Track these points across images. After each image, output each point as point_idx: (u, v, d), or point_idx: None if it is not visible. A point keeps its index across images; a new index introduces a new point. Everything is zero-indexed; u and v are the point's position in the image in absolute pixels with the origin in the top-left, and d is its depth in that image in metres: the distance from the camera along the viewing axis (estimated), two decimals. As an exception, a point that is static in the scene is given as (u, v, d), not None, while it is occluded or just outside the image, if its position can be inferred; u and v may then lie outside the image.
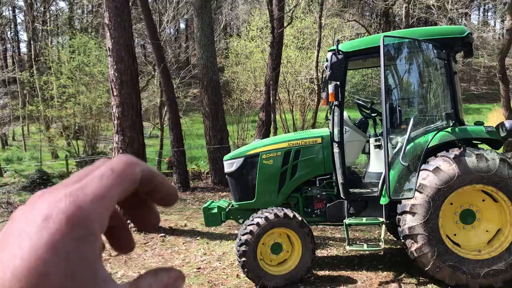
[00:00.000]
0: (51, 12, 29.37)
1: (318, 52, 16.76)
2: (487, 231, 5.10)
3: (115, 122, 7.59)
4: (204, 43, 12.58)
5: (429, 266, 4.92)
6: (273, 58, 13.17)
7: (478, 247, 5.05)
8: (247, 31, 20.93)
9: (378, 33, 27.93)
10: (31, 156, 21.87)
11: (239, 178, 5.84)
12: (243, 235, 5.16)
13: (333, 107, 5.52)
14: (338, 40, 5.31)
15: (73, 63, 16.40)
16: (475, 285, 4.86)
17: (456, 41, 5.30)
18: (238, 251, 5.16)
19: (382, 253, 6.41)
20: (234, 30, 38.41)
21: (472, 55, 5.63)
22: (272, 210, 5.27)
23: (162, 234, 7.69)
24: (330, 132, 5.72)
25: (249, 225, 5.20)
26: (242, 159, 5.82)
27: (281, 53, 14.24)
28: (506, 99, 14.70)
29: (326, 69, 6.29)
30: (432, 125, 5.29)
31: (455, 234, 5.13)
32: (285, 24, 13.96)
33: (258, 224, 5.15)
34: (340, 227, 7.57)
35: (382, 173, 5.79)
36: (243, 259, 5.10)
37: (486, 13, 53.14)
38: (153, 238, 7.55)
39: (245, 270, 5.15)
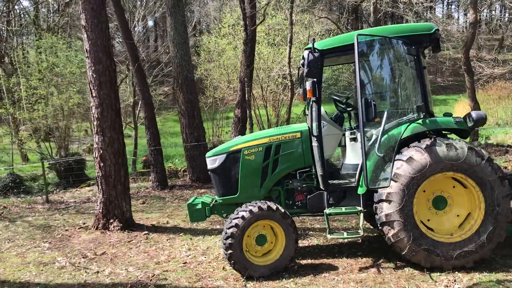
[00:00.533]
0: (15, 11, 28.68)
1: (290, 48, 16.99)
2: (458, 215, 5.43)
3: (95, 122, 7.65)
4: (178, 42, 12.67)
5: (406, 251, 5.23)
6: (246, 56, 13.35)
7: (450, 231, 5.39)
8: (219, 29, 21.02)
9: (348, 29, 28.47)
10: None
11: (222, 173, 6.02)
12: (228, 228, 5.35)
13: (310, 102, 5.75)
14: (313, 39, 5.55)
15: (43, 64, 16.15)
16: (449, 267, 5.19)
17: (424, 37, 5.61)
18: (224, 244, 5.35)
19: (360, 241, 6.71)
20: (204, 26, 38.39)
21: (440, 50, 5.95)
22: (256, 203, 5.48)
23: (146, 232, 7.81)
24: (308, 127, 5.96)
25: (234, 218, 5.39)
26: (225, 155, 6.00)
27: (254, 50, 14.41)
28: (471, 90, 15.30)
29: (303, 66, 6.55)
30: (404, 118, 5.59)
31: (428, 220, 5.46)
32: (258, 21, 14.12)
33: (243, 217, 5.35)
34: (319, 218, 7.87)
35: (358, 164, 6.08)
36: (230, 251, 5.30)
37: (450, 6, 54.66)
38: (136, 236, 7.66)
39: (232, 262, 5.34)
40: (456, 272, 5.13)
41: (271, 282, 5.25)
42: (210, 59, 21.22)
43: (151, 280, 5.56)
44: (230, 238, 5.31)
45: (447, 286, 4.84)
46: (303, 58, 6.28)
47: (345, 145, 6.59)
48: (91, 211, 10.30)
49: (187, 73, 12.84)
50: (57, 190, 14.85)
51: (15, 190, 14.87)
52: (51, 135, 18.48)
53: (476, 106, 15.25)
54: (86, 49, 7.49)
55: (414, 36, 5.54)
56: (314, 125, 5.65)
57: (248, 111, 13.65)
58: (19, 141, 16.53)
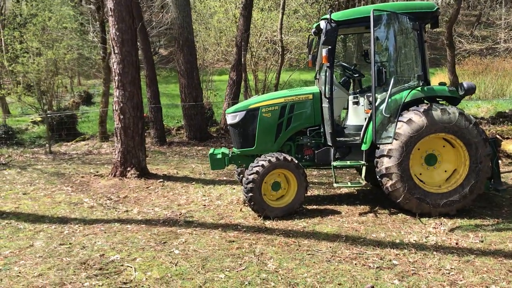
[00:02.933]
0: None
1: (282, 15, 17.51)
2: (445, 170, 6.36)
3: (116, 78, 8.21)
4: (180, 4, 13.08)
5: (401, 199, 6.13)
6: (244, 20, 13.87)
7: (438, 183, 6.32)
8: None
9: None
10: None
11: (241, 128, 6.76)
12: (250, 174, 6.15)
13: (324, 68, 6.47)
14: (331, 10, 6.23)
15: (39, 18, 16.24)
16: (436, 213, 6.14)
17: (427, 14, 6.38)
18: (245, 187, 6.15)
19: (356, 193, 7.62)
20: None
21: (438, 26, 6.74)
22: (274, 154, 6.28)
23: (161, 180, 8.54)
24: (319, 89, 6.72)
25: (255, 166, 6.18)
26: (244, 112, 6.72)
27: (251, 15, 14.91)
28: (451, 64, 16.23)
29: (314, 35, 7.26)
30: (406, 84, 6.40)
31: (420, 174, 6.36)
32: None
33: (262, 165, 6.15)
34: (316, 173, 8.75)
35: (359, 125, 6.94)
36: (251, 194, 6.11)
37: (431, -19, 55.28)
38: (152, 183, 8.38)
39: (252, 203, 6.16)
40: (442, 218, 6.07)
41: (285, 221, 6.10)
42: (201, 21, 21.50)
43: (179, 217, 6.34)
44: (251, 183, 6.10)
45: (435, 228, 5.77)
46: (317, 27, 7.01)
47: (347, 108, 7.41)
48: (97, 162, 10.93)
49: (188, 34, 13.31)
50: (49, 143, 15.27)
51: (8, 142, 15.24)
52: (42, 90, 18.65)
53: (455, 79, 16.23)
54: (110, 8, 7.96)
55: (419, 13, 6.30)
56: (327, 88, 6.39)
57: (243, 74, 14.29)
58: (17, 95, 16.66)
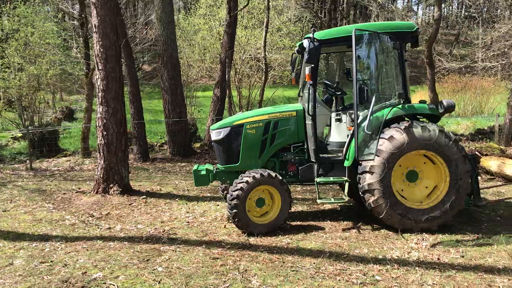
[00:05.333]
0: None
1: (266, 32, 17.71)
2: (426, 187, 6.46)
3: (100, 94, 8.19)
4: (164, 21, 13.15)
5: (383, 215, 6.21)
6: (229, 38, 14.00)
7: (420, 200, 6.41)
8: (195, 9, 21.40)
9: (320, 17, 29.33)
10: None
11: (226, 144, 6.79)
12: (234, 191, 6.16)
13: (307, 85, 6.56)
14: (313, 29, 6.36)
15: (22, 34, 16.15)
16: (417, 229, 6.22)
17: (407, 34, 6.55)
18: (230, 204, 6.15)
19: (339, 208, 7.68)
20: (181, 4, 38.34)
21: (418, 46, 6.91)
22: (258, 171, 6.31)
23: (144, 196, 8.48)
24: (302, 107, 6.81)
25: (239, 183, 6.21)
26: (229, 128, 6.76)
27: (235, 33, 15.07)
28: (431, 82, 16.60)
29: (298, 53, 7.39)
30: (387, 102, 6.53)
31: (402, 190, 6.46)
32: (241, 6, 14.74)
33: (247, 181, 6.17)
34: (299, 189, 8.81)
35: (341, 142, 7.04)
36: (235, 210, 6.12)
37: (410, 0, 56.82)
38: (135, 200, 8.32)
39: (236, 219, 6.16)
40: (424, 233, 6.15)
41: (269, 238, 6.11)
42: (185, 37, 21.61)
43: (163, 234, 6.31)
44: (235, 199, 6.12)
45: (417, 243, 5.84)
46: (299, 46, 7.13)
47: (330, 125, 7.51)
48: (79, 179, 10.81)
49: (172, 51, 13.36)
50: (30, 159, 15.04)
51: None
52: (23, 105, 18.43)
53: (435, 97, 16.59)
54: (95, 25, 7.98)
55: (399, 32, 6.46)
56: (310, 105, 6.48)
57: (227, 91, 14.37)
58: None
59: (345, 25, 21.52)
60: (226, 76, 14.20)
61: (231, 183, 6.70)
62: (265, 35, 17.70)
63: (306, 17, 23.00)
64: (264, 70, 17.88)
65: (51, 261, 5.31)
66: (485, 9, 34.90)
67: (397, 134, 6.16)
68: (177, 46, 13.96)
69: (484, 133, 15.65)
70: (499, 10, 33.88)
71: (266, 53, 17.84)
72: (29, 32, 16.64)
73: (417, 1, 54.84)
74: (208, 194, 8.85)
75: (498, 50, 19.73)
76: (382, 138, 6.19)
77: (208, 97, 21.36)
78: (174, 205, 8.06)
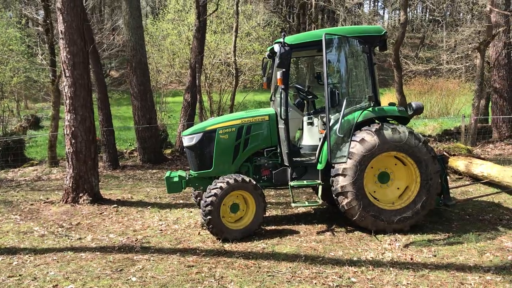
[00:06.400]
0: None
1: (236, 37, 17.73)
2: (398, 188, 6.56)
3: (67, 101, 7.99)
4: (132, 26, 12.99)
5: (356, 216, 6.26)
6: (198, 43, 13.94)
7: (392, 201, 6.51)
8: (164, 14, 21.24)
9: (289, 21, 29.55)
10: None
11: (198, 150, 6.72)
12: (208, 197, 6.10)
13: (279, 90, 6.57)
14: (284, 34, 6.38)
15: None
16: (390, 229, 6.29)
17: (376, 38, 6.65)
18: (204, 211, 6.09)
19: (313, 211, 7.71)
20: (148, 9, 37.96)
21: (386, 49, 7.03)
22: (232, 176, 6.27)
23: (115, 205, 8.31)
24: (275, 111, 6.82)
25: (213, 189, 6.14)
26: (201, 134, 6.69)
27: (205, 38, 15.01)
28: (399, 85, 16.88)
29: (268, 58, 7.40)
30: (357, 105, 6.61)
31: (374, 191, 6.54)
32: (210, 11, 14.70)
33: (221, 187, 6.12)
34: (273, 193, 8.81)
35: (314, 145, 7.08)
36: (209, 217, 6.05)
37: (376, 3, 57.97)
38: (106, 209, 8.14)
39: (210, 226, 6.10)
40: (396, 234, 6.23)
41: (244, 243, 6.07)
42: (153, 43, 21.40)
43: (135, 243, 6.18)
44: (209, 206, 6.05)
45: (390, 244, 5.91)
46: (270, 51, 7.15)
47: (302, 128, 7.55)
48: (47, 189, 10.52)
49: (141, 56, 13.20)
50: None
51: None
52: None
53: (403, 99, 16.89)
54: (61, 31, 7.79)
55: (368, 36, 6.55)
56: (282, 109, 6.49)
57: (198, 96, 14.29)
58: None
59: (314, 29, 21.76)
60: (197, 81, 14.12)
61: (205, 189, 6.65)
62: (235, 40, 17.74)
63: (275, 21, 23.14)
64: (234, 74, 17.90)
65: (20, 275, 5.12)
66: (448, 13, 35.91)
67: (368, 136, 6.23)
68: (145, 52, 13.80)
69: (451, 133, 16.07)
70: (461, 14, 34.87)
71: (236, 58, 17.86)
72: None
73: (383, 6, 56.00)
74: (181, 201, 8.75)
75: (462, 52, 20.30)
76: (353, 140, 6.25)
77: (178, 102, 21.20)
78: (147, 213, 7.93)
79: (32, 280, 4.98)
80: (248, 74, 21.51)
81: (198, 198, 7.35)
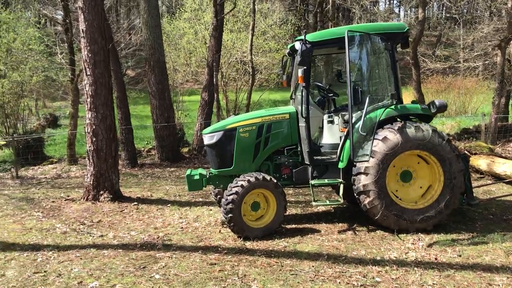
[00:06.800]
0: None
1: (252, 36, 17.68)
2: (420, 187, 6.48)
3: (88, 100, 8.06)
4: (151, 25, 13.05)
5: (378, 216, 6.20)
6: (216, 41, 13.95)
7: (414, 200, 6.42)
8: (180, 13, 21.30)
9: (307, 19, 29.34)
10: None
11: (219, 149, 6.72)
12: (229, 195, 6.09)
13: (300, 88, 6.54)
14: (305, 31, 6.34)
15: (4, 40, 15.86)
16: (413, 229, 6.22)
17: (398, 35, 6.58)
18: (225, 209, 6.08)
19: (333, 211, 7.66)
20: (164, 9, 38.13)
21: (408, 47, 6.95)
22: (252, 174, 6.25)
23: (135, 203, 8.36)
24: (295, 109, 6.79)
25: (234, 187, 6.14)
26: (222, 132, 6.69)
27: (222, 36, 15.02)
28: (417, 83, 16.71)
29: (288, 55, 7.37)
30: (380, 103, 6.54)
31: (396, 190, 6.46)
32: (228, 8, 14.69)
33: (242, 186, 6.11)
34: (292, 192, 8.78)
35: (334, 143, 7.02)
36: (230, 215, 6.05)
37: (392, 2, 57.45)
38: (126, 206, 8.19)
39: (231, 224, 6.09)
40: (419, 233, 6.16)
41: (266, 241, 6.05)
42: (170, 42, 21.48)
43: (157, 241, 6.21)
44: (230, 204, 6.05)
45: (413, 244, 5.85)
46: (291, 48, 7.11)
47: (322, 127, 7.50)
48: (67, 186, 10.63)
49: (159, 55, 13.26)
50: (15, 167, 14.76)
51: (-30, 167, 14.66)
52: (6, 113, 18.07)
53: (421, 97, 16.71)
54: (82, 30, 7.86)
55: (391, 33, 6.48)
56: (303, 107, 6.45)
57: (215, 95, 14.30)
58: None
59: (331, 27, 21.62)
60: (214, 80, 14.13)
61: (225, 187, 6.64)
62: (251, 38, 17.68)
63: (291, 20, 23.04)
64: (250, 73, 17.86)
65: (45, 271, 5.17)
66: (465, 11, 35.42)
67: (391, 134, 6.16)
68: (164, 50, 13.85)
69: (470, 132, 15.83)
70: (479, 11, 34.38)
71: (253, 56, 17.82)
72: (11, 38, 16.36)
73: (398, 3, 55.47)
74: (200, 199, 8.77)
75: (481, 50, 19.99)
76: (376, 139, 6.19)
77: (193, 101, 21.31)
78: (167, 210, 7.95)
79: (57, 276, 5.02)
80: (265, 73, 21.46)
81: (218, 196, 7.35)
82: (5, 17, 17.02)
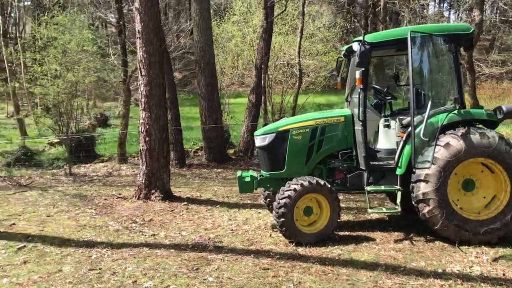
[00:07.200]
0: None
1: (301, 38, 17.54)
2: (484, 197, 6.11)
3: (143, 100, 8.16)
4: (202, 27, 13.13)
5: (438, 226, 5.89)
6: (265, 43, 13.89)
7: (477, 210, 6.07)
8: (229, 15, 21.42)
9: (356, 21, 28.91)
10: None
11: (271, 151, 6.61)
12: (281, 199, 5.96)
13: (358, 90, 6.32)
14: (364, 32, 6.14)
15: (60, 41, 16.42)
16: (476, 241, 5.88)
17: (463, 36, 6.26)
18: (277, 212, 5.96)
19: (387, 219, 7.38)
20: (211, 12, 38.59)
21: (473, 49, 6.62)
22: (306, 178, 6.10)
23: (185, 203, 8.38)
24: (351, 112, 6.58)
25: (286, 190, 6.00)
26: (274, 134, 6.57)
27: (271, 39, 14.95)
28: (472, 88, 16.05)
29: (344, 57, 7.17)
30: (442, 107, 6.24)
31: (458, 199, 6.12)
32: (277, 11, 14.63)
33: (294, 189, 5.97)
34: (342, 197, 8.55)
35: (390, 149, 6.75)
36: (282, 219, 5.91)
37: (441, 4, 55.75)
38: (177, 206, 8.23)
39: (283, 229, 5.96)
40: (483, 246, 5.81)
41: (319, 248, 5.88)
42: (218, 44, 21.61)
43: (208, 242, 6.16)
44: (283, 208, 5.91)
45: (477, 257, 5.52)
46: (348, 49, 6.92)
47: (378, 131, 7.24)
48: (119, 184, 10.83)
49: (209, 57, 13.33)
50: (69, 165, 15.21)
51: (26, 163, 15.24)
52: (54, 111, 18.66)
53: (476, 103, 16.02)
54: (138, 30, 7.96)
55: (455, 35, 6.17)
56: (360, 110, 6.24)
57: (263, 97, 14.24)
58: (36, 117, 16.72)
59: (383, 30, 21.14)
60: (262, 82, 14.07)
61: (275, 190, 6.52)
62: (300, 41, 17.56)
63: (340, 22, 22.74)
64: (298, 76, 17.71)
65: (100, 269, 5.21)
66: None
67: (453, 141, 5.86)
68: (214, 53, 13.91)
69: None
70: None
71: (300, 59, 17.67)
72: (67, 39, 16.91)
73: (448, 6, 53.76)
74: (248, 201, 8.69)
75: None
76: (438, 145, 5.89)
77: (239, 104, 21.32)
78: (216, 212, 7.92)
79: (112, 274, 5.04)
80: (312, 76, 21.24)
81: (268, 199, 7.24)
82: (62, 19, 17.66)
